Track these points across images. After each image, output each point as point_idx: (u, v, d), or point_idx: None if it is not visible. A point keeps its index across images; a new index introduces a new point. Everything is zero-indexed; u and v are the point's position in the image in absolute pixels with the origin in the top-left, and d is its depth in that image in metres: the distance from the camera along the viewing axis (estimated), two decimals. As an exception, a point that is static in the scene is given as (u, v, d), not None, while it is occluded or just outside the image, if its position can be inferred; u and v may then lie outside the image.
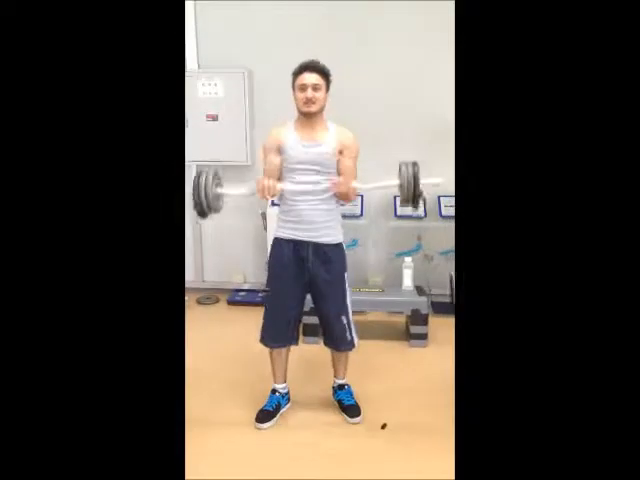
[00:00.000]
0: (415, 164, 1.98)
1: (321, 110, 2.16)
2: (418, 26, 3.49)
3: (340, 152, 2.16)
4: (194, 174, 3.82)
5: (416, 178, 1.95)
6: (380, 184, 2.09)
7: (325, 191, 2.15)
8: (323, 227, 2.21)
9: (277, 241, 2.27)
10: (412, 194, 1.96)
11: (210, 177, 2.01)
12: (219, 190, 2.05)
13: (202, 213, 2.04)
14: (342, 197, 2.17)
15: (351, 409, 2.36)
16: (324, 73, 2.14)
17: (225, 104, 3.59)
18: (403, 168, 2.00)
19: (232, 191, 2.13)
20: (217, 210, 2.08)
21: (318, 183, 2.12)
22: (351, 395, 2.43)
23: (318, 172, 2.14)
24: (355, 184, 2.10)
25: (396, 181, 2.00)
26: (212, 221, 3.92)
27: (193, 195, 2.00)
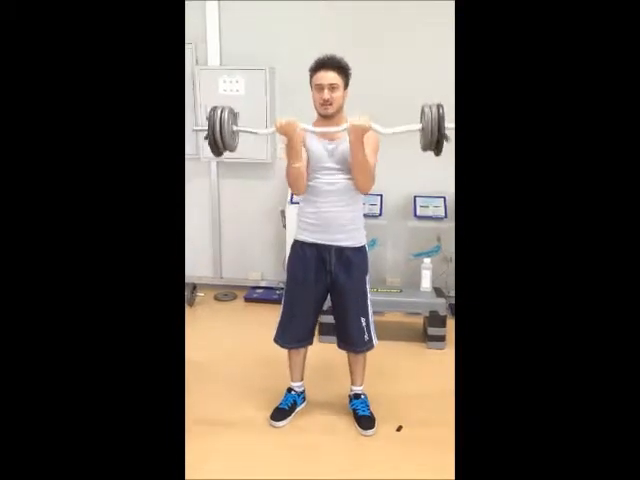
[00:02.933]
0: (440, 106, 1.83)
1: (339, 110, 2.10)
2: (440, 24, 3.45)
3: None
4: (214, 171, 3.88)
5: (441, 121, 1.80)
6: (402, 128, 1.94)
7: (347, 190, 2.11)
8: (346, 230, 2.16)
9: (298, 243, 2.23)
10: (436, 138, 1.81)
11: (226, 113, 1.93)
12: (235, 127, 1.98)
13: (216, 150, 1.96)
14: (360, 175, 2.04)
15: (365, 420, 2.29)
16: (342, 70, 2.06)
17: (246, 101, 3.60)
18: (427, 110, 1.84)
19: (249, 129, 2.04)
20: (232, 149, 2.00)
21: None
22: (367, 406, 2.36)
23: (338, 170, 2.10)
24: (375, 126, 1.94)
25: (419, 125, 1.87)
26: (231, 221, 3.97)
27: (208, 131, 1.91)
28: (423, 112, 1.87)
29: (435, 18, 3.43)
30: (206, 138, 1.95)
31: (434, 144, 1.84)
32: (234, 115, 2.01)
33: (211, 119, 1.92)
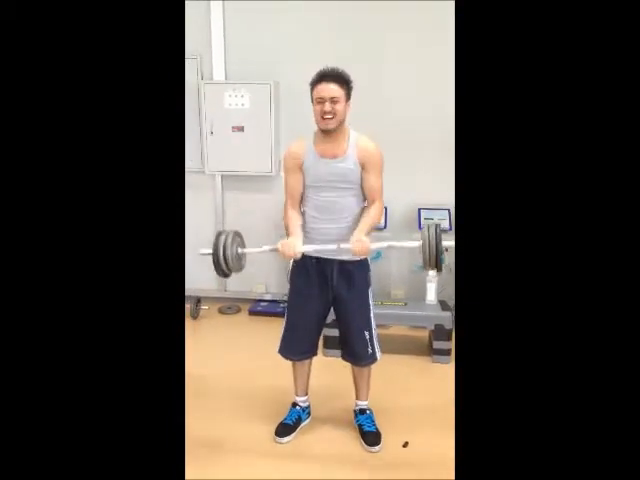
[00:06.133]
0: (437, 226, 1.92)
1: (341, 123, 2.05)
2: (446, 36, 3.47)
3: (362, 166, 2.07)
4: (218, 184, 3.89)
5: (438, 240, 1.88)
6: (401, 244, 2.06)
7: (347, 206, 2.11)
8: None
9: (300, 257, 2.21)
10: (434, 257, 1.89)
11: (230, 238, 1.98)
12: (240, 250, 2.03)
13: (222, 273, 2.01)
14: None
15: (371, 436, 2.27)
16: (344, 82, 2.02)
17: (251, 115, 3.61)
18: (424, 230, 1.93)
19: (253, 249, 2.08)
20: (238, 270, 2.05)
21: (338, 219, 2.12)
22: (372, 421, 2.34)
23: (340, 188, 2.09)
24: (373, 246, 2.03)
25: (418, 242, 1.95)
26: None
27: (213, 256, 1.97)
28: (422, 231, 1.95)
29: (440, 33, 3.45)
30: (214, 266, 1.99)
31: (433, 262, 1.92)
32: (240, 238, 2.06)
33: (215, 245, 1.97)
